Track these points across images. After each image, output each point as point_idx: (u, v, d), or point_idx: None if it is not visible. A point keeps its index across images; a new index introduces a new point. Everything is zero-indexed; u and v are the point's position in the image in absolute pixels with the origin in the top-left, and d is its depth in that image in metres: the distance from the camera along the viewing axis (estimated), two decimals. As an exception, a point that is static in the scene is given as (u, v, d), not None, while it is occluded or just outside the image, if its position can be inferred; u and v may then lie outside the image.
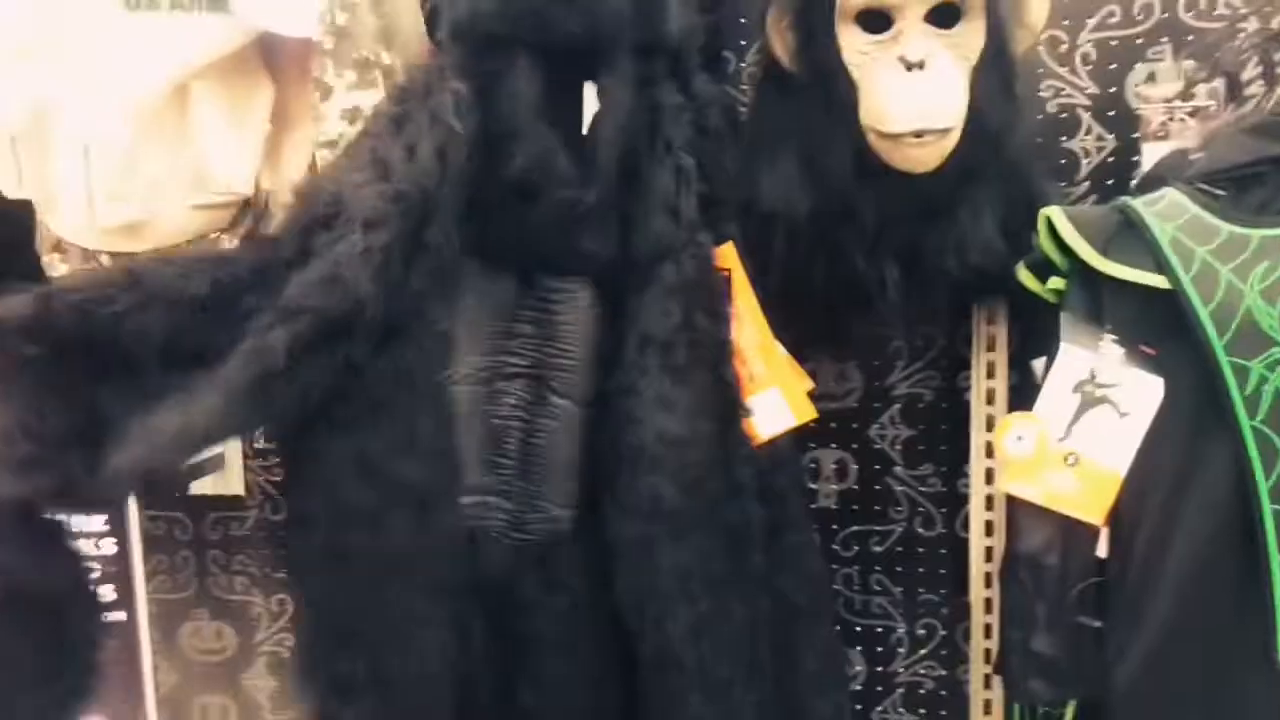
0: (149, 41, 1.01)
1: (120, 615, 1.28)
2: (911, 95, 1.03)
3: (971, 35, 1.06)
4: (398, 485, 1.01)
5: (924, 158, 1.06)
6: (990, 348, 1.33)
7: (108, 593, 1.28)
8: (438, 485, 1.04)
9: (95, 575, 1.29)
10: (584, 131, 1.04)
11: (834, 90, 1.07)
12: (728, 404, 1.10)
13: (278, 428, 1.07)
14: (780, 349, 1.19)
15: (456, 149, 1.00)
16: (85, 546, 1.29)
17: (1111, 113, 1.30)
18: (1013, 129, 1.11)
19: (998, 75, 1.07)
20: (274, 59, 1.09)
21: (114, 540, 1.29)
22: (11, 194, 1.09)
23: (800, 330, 1.23)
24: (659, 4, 1.05)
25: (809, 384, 1.23)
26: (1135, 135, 1.28)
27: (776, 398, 1.15)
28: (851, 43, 1.06)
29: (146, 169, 1.06)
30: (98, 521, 1.27)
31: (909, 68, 1.03)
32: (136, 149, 1.05)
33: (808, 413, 1.17)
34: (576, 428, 1.11)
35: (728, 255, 1.14)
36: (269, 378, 0.94)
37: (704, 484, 1.07)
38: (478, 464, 1.08)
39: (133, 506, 1.29)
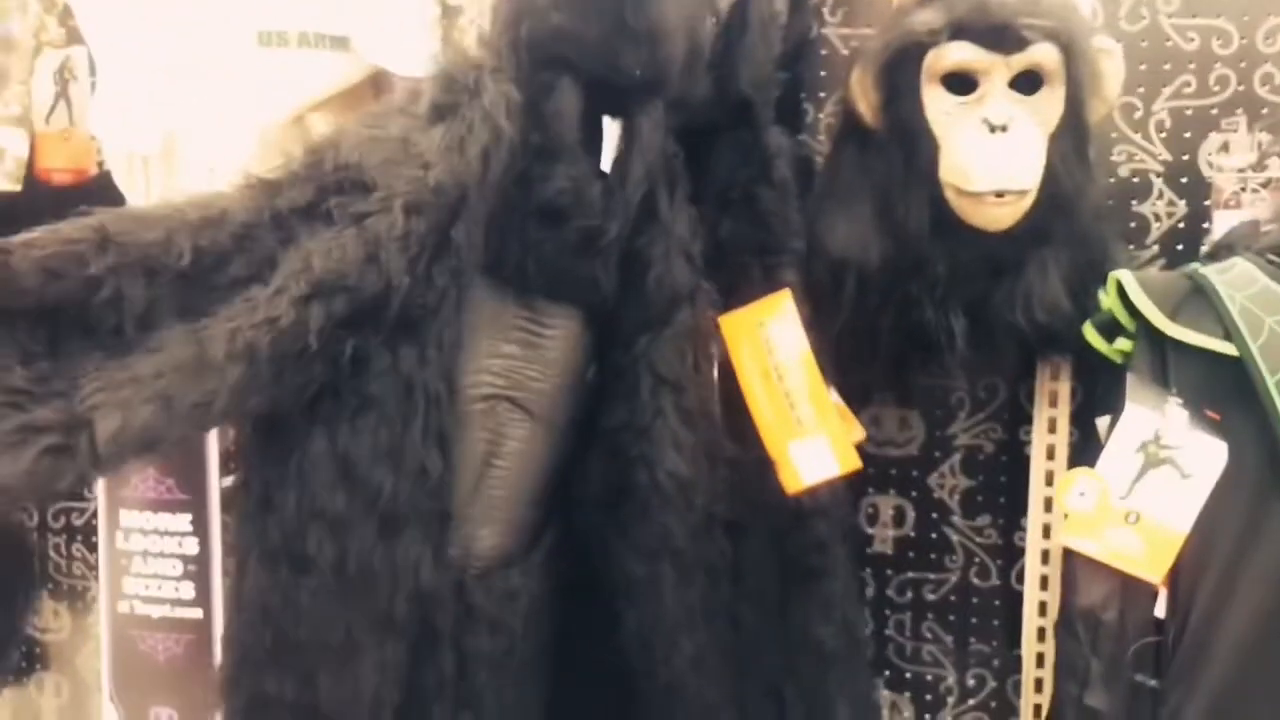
0: (276, 74, 1.08)
1: (197, 613, 1.33)
2: (994, 157, 1.07)
3: (1051, 103, 1.09)
4: (375, 496, 0.97)
5: (1001, 217, 1.09)
6: (1053, 403, 1.35)
7: (187, 590, 1.33)
8: (418, 504, 0.99)
9: (177, 573, 1.36)
10: (605, 165, 1.06)
11: (917, 147, 1.11)
12: (714, 446, 1.13)
13: (272, 409, 0.97)
14: (834, 395, 1.21)
15: (500, 153, 0.99)
16: (168, 545, 1.36)
17: (1184, 179, 1.32)
18: (1085, 194, 1.14)
19: (1074, 142, 1.11)
20: (384, 93, 1.15)
21: (196, 539, 1.35)
22: (139, 208, 1.16)
23: (864, 376, 1.27)
24: (698, 64, 1.09)
25: (859, 433, 1.24)
26: (1206, 203, 1.30)
27: (823, 445, 1.16)
28: (935, 103, 1.10)
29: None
30: (183, 521, 1.33)
31: (992, 130, 1.07)
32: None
33: (852, 463, 1.17)
34: (544, 453, 1.11)
35: (784, 302, 1.17)
36: (295, 354, 0.91)
37: (704, 523, 1.11)
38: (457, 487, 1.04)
39: (215, 508, 1.34)
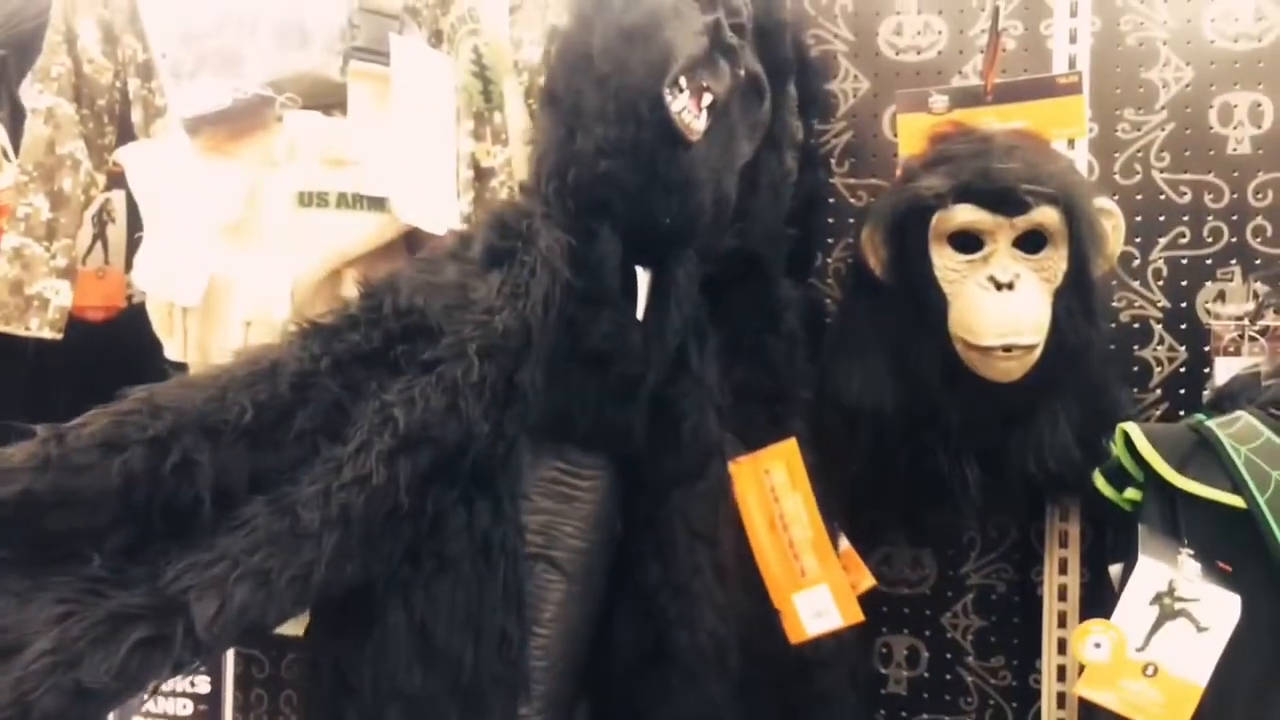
0: (314, 233, 1.13)
1: (207, 753, 1.31)
2: (1001, 313, 1.11)
3: (1055, 260, 1.14)
4: (456, 669, 0.92)
5: (1010, 369, 1.12)
6: (1063, 544, 1.36)
7: (197, 728, 1.32)
8: (500, 676, 0.95)
9: (187, 713, 1.35)
10: (639, 314, 1.06)
11: (926, 302, 1.15)
12: (735, 602, 1.13)
13: (363, 578, 0.91)
14: (844, 541, 1.22)
15: (557, 298, 0.98)
16: (178, 682, 1.34)
17: (1183, 325, 1.36)
18: (1092, 346, 1.18)
19: (1078, 297, 1.15)
20: (416, 248, 1.20)
21: (208, 678, 1.34)
22: (176, 358, 1.20)
23: (876, 517, 1.28)
24: (724, 216, 1.10)
25: (868, 581, 1.25)
26: (1207, 348, 1.34)
27: (825, 596, 1.17)
28: (943, 261, 1.15)
29: (296, 342, 1.16)
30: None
31: (999, 287, 1.11)
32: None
33: (855, 615, 1.18)
34: (580, 617, 1.06)
35: (791, 450, 1.19)
36: (386, 514, 0.86)
37: (731, 685, 1.09)
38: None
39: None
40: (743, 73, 1.05)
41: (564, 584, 1.05)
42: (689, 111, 0.99)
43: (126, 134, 1.28)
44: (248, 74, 1.17)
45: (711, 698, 1.06)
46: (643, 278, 1.07)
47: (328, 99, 1.20)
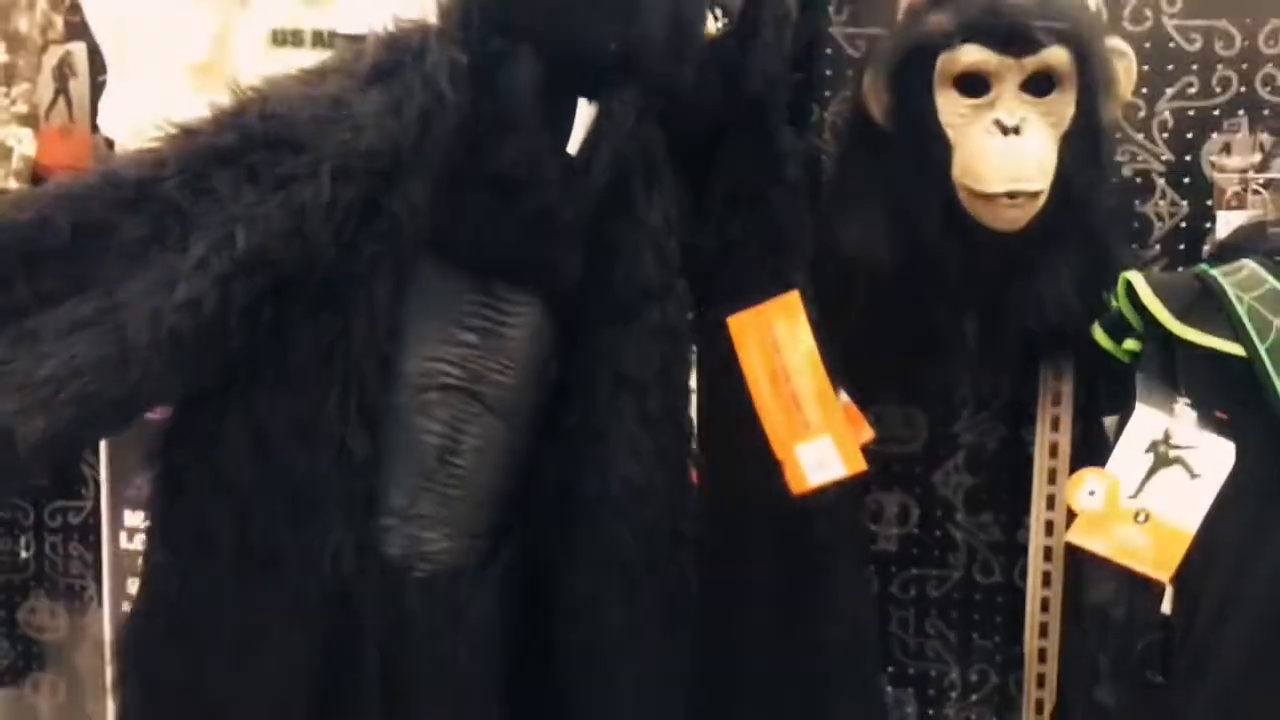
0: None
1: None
2: (1007, 158, 1.07)
3: (1063, 104, 1.10)
4: (287, 471, 0.91)
5: (1014, 217, 1.10)
6: (1056, 402, 1.36)
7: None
8: (337, 486, 0.93)
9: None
10: (571, 146, 1.00)
11: (929, 149, 1.11)
12: (681, 456, 1.10)
13: (189, 391, 0.93)
14: (843, 395, 1.21)
15: (442, 120, 0.92)
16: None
17: (1186, 179, 1.34)
18: (1097, 195, 1.15)
19: (1086, 143, 1.12)
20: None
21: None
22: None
23: (869, 375, 1.27)
24: (685, 47, 1.03)
25: (868, 434, 1.25)
26: (1209, 203, 1.31)
27: (828, 447, 1.15)
28: (948, 105, 1.11)
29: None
30: None
31: (1005, 132, 1.08)
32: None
33: (858, 464, 1.17)
34: (503, 451, 1.04)
35: (793, 303, 1.17)
36: (218, 333, 0.85)
37: (656, 538, 1.05)
38: (395, 480, 0.98)
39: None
40: None
41: (487, 417, 1.02)
42: None
43: (85, -30, 1.20)
44: (214, -95, 1.09)
45: (617, 543, 1.03)
46: (584, 109, 1.00)
47: (300, -69, 1.13)
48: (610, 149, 1.01)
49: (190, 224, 0.86)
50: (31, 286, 0.84)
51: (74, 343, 0.82)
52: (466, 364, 1.01)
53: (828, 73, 1.39)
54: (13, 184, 1.18)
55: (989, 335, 1.19)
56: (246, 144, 0.89)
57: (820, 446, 1.15)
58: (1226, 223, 1.27)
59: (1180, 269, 1.30)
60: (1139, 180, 1.34)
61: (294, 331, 0.91)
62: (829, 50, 1.39)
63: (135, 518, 1.32)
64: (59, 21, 1.21)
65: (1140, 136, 1.34)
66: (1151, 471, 1.08)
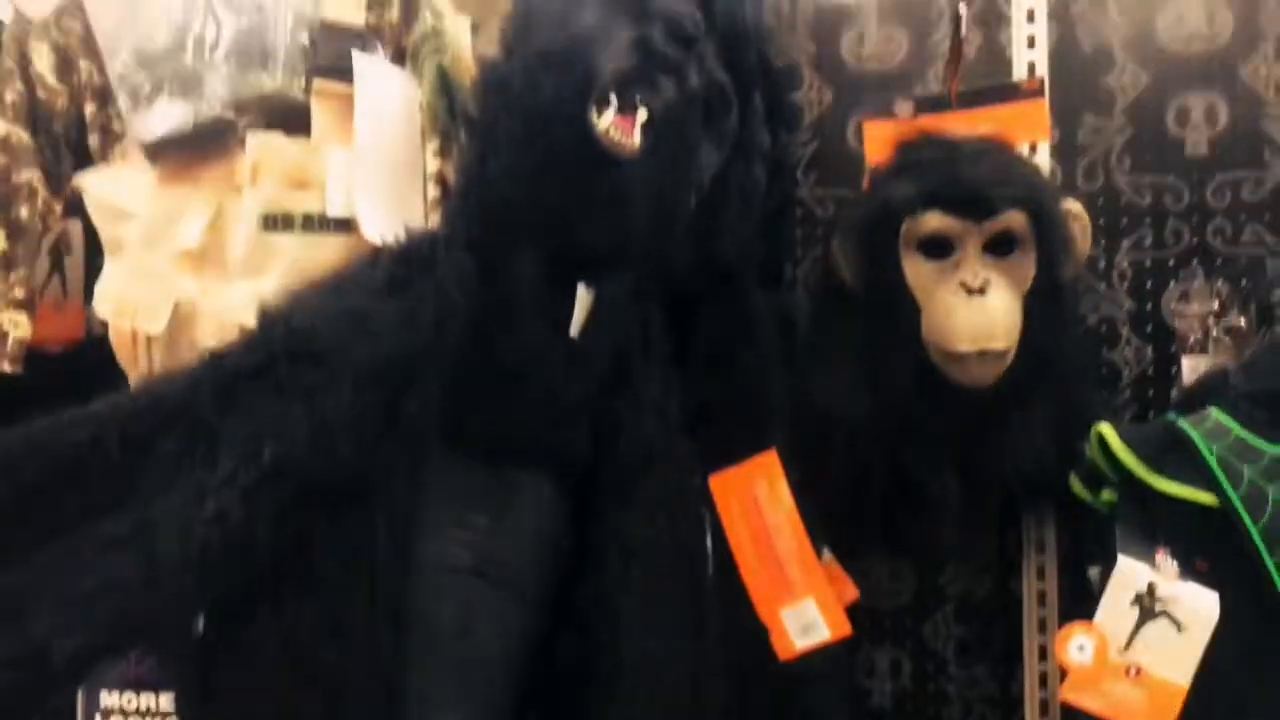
0: (279, 256, 1.12)
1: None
2: (973, 318, 1.11)
3: (1024, 264, 1.15)
4: (319, 673, 0.93)
5: (983, 374, 1.13)
6: (1040, 550, 1.36)
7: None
8: (367, 683, 0.95)
9: None
10: (572, 330, 1.05)
11: (898, 310, 1.15)
12: (701, 619, 1.10)
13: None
14: (827, 554, 1.21)
15: (454, 324, 0.98)
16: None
17: (1149, 327, 1.37)
18: (1063, 349, 1.19)
19: (1049, 300, 1.16)
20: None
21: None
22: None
23: (852, 531, 1.27)
24: (673, 231, 1.08)
25: (851, 593, 1.24)
26: (1174, 349, 1.35)
27: (812, 610, 1.15)
28: (914, 268, 1.15)
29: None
30: (166, 701, 1.29)
31: (970, 293, 1.12)
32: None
33: (843, 628, 1.16)
34: (518, 629, 1.05)
35: (772, 462, 1.18)
36: (245, 545, 0.89)
37: (678, 708, 1.06)
38: (412, 662, 0.99)
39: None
40: (694, 84, 1.03)
41: (498, 596, 1.04)
42: (617, 129, 0.97)
43: (84, 160, 1.25)
44: (208, 95, 1.15)
45: (634, 716, 1.03)
46: (582, 295, 1.06)
47: (291, 119, 1.18)
48: (609, 334, 1.06)
49: (220, 441, 0.91)
50: (78, 502, 0.89)
51: (110, 560, 0.87)
52: (478, 546, 1.04)
53: (798, 231, 1.45)
54: (6, 367, 1.20)
55: (968, 488, 1.21)
56: (272, 361, 0.94)
57: (804, 609, 1.14)
58: (1192, 368, 1.30)
59: (1151, 413, 1.33)
60: (1104, 328, 1.38)
61: (320, 535, 0.95)
62: (799, 211, 1.44)
63: (111, 698, 1.29)
64: (58, 208, 1.25)
65: (1102, 286, 1.39)
66: (1139, 625, 1.08)
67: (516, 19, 1.07)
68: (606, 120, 0.96)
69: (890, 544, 1.40)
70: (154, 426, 0.92)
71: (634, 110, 0.98)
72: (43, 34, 1.21)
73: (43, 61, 1.21)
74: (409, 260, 1.01)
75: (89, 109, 1.22)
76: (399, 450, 0.97)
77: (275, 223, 1.12)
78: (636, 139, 0.97)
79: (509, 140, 1.00)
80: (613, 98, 0.97)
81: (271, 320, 0.98)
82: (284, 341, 0.95)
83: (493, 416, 1.04)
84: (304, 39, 1.18)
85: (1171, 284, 1.37)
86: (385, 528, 0.96)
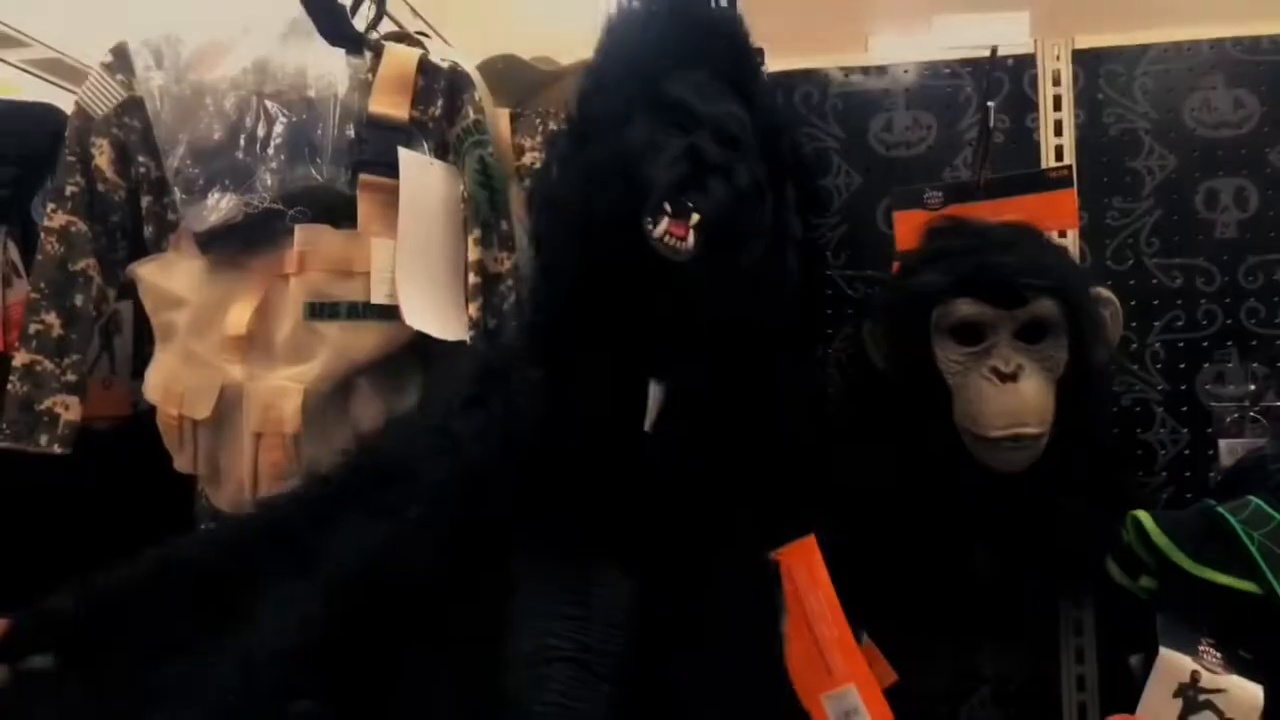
0: (324, 343, 1.15)
1: None
2: (1005, 403, 1.11)
3: (1056, 350, 1.15)
4: None
5: (1016, 459, 1.13)
6: (1078, 632, 1.35)
7: None
8: None
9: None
10: (646, 425, 1.08)
11: (930, 395, 1.16)
12: (779, 708, 1.12)
13: None
14: (865, 639, 1.21)
15: (522, 434, 1.05)
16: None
17: (1184, 408, 1.37)
18: (1097, 433, 1.19)
19: (1081, 386, 1.16)
20: (427, 355, 1.21)
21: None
22: (185, 470, 1.20)
23: (889, 613, 1.27)
24: (731, 325, 1.09)
25: (889, 677, 1.23)
26: (1209, 430, 1.34)
27: (853, 697, 1.15)
28: (946, 353, 1.16)
29: (307, 452, 1.17)
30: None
31: (1002, 379, 1.12)
32: (302, 436, 1.16)
33: (884, 714, 1.16)
34: (616, 715, 1.07)
35: (809, 548, 1.18)
36: (334, 651, 0.96)
37: None
38: None
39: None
40: (743, 181, 1.06)
41: (595, 683, 1.06)
42: (672, 235, 1.00)
43: (139, 250, 1.30)
44: (258, 188, 1.19)
45: None
46: (655, 391, 1.09)
47: (337, 211, 1.22)
48: (680, 426, 1.08)
49: (313, 555, 0.99)
50: (200, 616, 0.97)
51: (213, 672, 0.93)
52: (574, 635, 1.06)
53: (829, 311, 1.45)
54: (57, 449, 1.23)
55: (1004, 570, 1.20)
56: (361, 483, 1.03)
57: (846, 696, 1.13)
58: (1229, 451, 1.30)
59: (1188, 495, 1.32)
60: (1138, 410, 1.38)
61: (414, 642, 1.00)
62: (829, 290, 1.46)
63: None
64: (112, 295, 1.29)
65: (1135, 367, 1.39)
66: (1183, 716, 1.06)
67: (568, 132, 1.11)
68: (662, 228, 1.00)
69: (925, 626, 1.39)
70: (261, 546, 1.00)
71: (687, 215, 1.01)
72: (104, 130, 1.26)
73: (103, 156, 1.26)
74: (485, 377, 1.08)
75: (145, 201, 1.27)
76: (485, 555, 1.02)
77: (320, 310, 1.15)
78: (690, 241, 1.01)
79: (567, 253, 1.06)
80: (666, 206, 1.01)
81: (364, 445, 1.08)
82: (371, 461, 1.05)
83: (570, 514, 1.08)
84: (350, 134, 1.23)
85: (1205, 366, 1.37)
86: (478, 629, 1.01)
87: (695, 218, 1.01)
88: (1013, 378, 1.13)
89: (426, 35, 1.46)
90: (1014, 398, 1.12)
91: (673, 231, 1.00)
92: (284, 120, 1.20)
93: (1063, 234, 1.33)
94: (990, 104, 1.25)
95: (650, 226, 1.00)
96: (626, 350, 1.06)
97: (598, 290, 1.04)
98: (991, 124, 1.26)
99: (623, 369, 1.07)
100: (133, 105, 1.25)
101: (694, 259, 1.01)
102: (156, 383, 1.20)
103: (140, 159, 1.26)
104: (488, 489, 1.03)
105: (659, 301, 1.03)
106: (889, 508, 1.20)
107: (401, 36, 1.39)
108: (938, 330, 1.16)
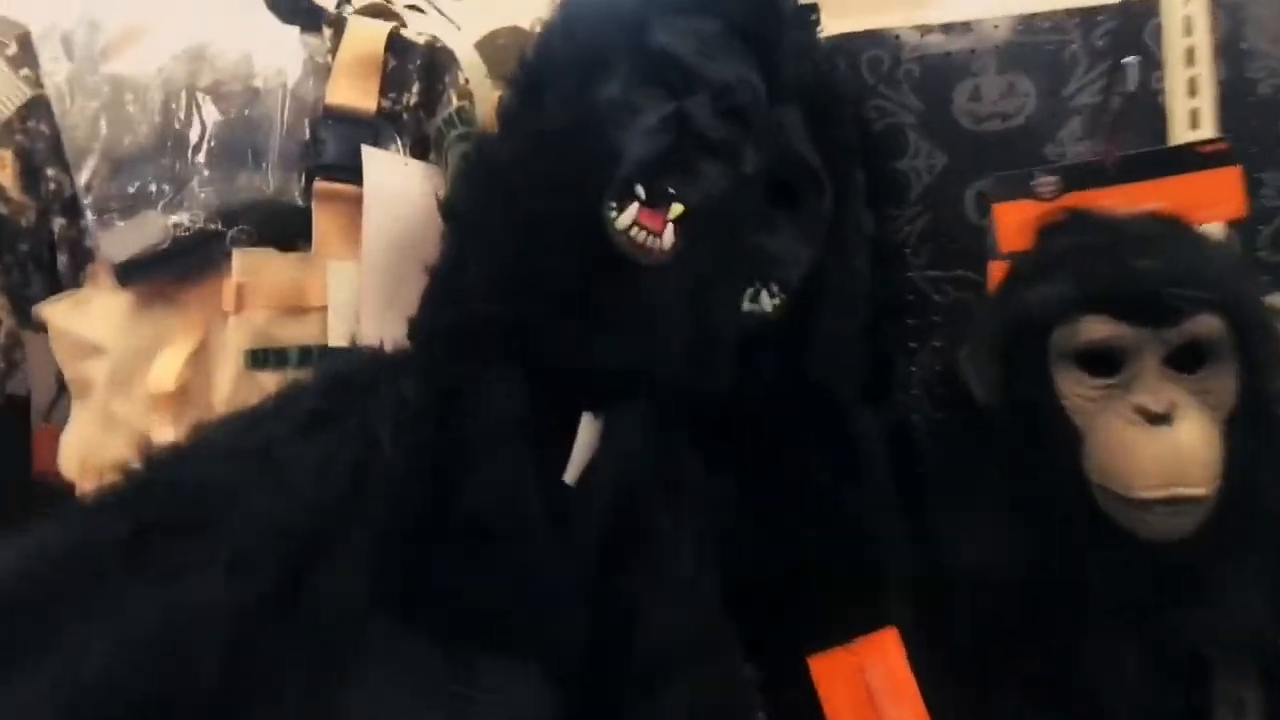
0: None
1: None
2: (1159, 454, 0.85)
3: (1221, 381, 0.89)
4: None
5: (1175, 526, 0.87)
6: (1239, 713, 1.09)
7: None
8: None
9: None
10: (568, 475, 0.82)
11: (1051, 440, 0.91)
12: None
13: None
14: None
15: (379, 472, 0.78)
16: None
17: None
18: (1276, 487, 0.92)
19: (1256, 427, 0.90)
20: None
21: None
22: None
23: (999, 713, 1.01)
24: (714, 353, 0.84)
25: None
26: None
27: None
28: (1072, 386, 0.90)
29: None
30: None
31: (1152, 421, 0.86)
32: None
33: None
34: None
35: (891, 641, 0.93)
36: None
37: None
38: None
39: None
40: (751, 167, 0.82)
41: None
42: (642, 228, 0.78)
43: (55, 284, 1.06)
44: (190, 204, 0.97)
45: None
46: (587, 428, 0.82)
47: (288, 229, 1.00)
48: (613, 479, 0.81)
49: (51, 643, 0.70)
50: None
51: None
52: None
53: (910, 322, 1.21)
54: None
55: (1155, 665, 0.94)
56: (140, 533, 0.74)
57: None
58: None
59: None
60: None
61: None
62: (910, 296, 1.21)
63: None
64: (26, 339, 1.08)
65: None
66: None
67: (521, 83, 0.88)
68: (629, 217, 0.78)
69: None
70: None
71: (666, 203, 0.79)
72: (6, 138, 1.04)
73: (5, 170, 1.03)
74: (339, 392, 0.82)
75: (57, 224, 1.03)
76: (310, 641, 0.74)
77: (264, 359, 0.93)
78: (668, 239, 0.78)
79: (500, 238, 0.82)
80: (639, 189, 0.78)
81: (155, 470, 0.78)
82: (161, 500, 0.75)
83: (451, 584, 0.79)
84: (305, 131, 1.01)
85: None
86: None
87: (677, 208, 0.78)
88: (1165, 419, 0.86)
89: (419, 9, 1.23)
90: (1169, 446, 0.86)
91: (644, 223, 0.77)
92: (221, 118, 0.98)
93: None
94: (1130, 59, 0.97)
95: (613, 213, 0.78)
96: (559, 373, 0.81)
97: (533, 291, 0.80)
98: (1131, 86, 0.99)
99: (548, 395, 0.81)
100: (39, 106, 1.02)
101: (672, 263, 0.78)
102: (71, 454, 0.98)
103: (50, 172, 1.02)
104: (321, 546, 0.75)
105: (614, 313, 0.79)
106: (1000, 589, 0.94)
107: (380, 10, 1.16)
108: (1061, 356, 0.90)
